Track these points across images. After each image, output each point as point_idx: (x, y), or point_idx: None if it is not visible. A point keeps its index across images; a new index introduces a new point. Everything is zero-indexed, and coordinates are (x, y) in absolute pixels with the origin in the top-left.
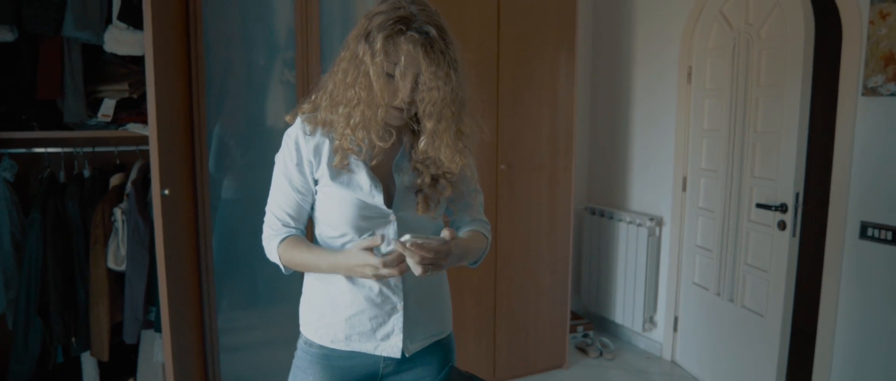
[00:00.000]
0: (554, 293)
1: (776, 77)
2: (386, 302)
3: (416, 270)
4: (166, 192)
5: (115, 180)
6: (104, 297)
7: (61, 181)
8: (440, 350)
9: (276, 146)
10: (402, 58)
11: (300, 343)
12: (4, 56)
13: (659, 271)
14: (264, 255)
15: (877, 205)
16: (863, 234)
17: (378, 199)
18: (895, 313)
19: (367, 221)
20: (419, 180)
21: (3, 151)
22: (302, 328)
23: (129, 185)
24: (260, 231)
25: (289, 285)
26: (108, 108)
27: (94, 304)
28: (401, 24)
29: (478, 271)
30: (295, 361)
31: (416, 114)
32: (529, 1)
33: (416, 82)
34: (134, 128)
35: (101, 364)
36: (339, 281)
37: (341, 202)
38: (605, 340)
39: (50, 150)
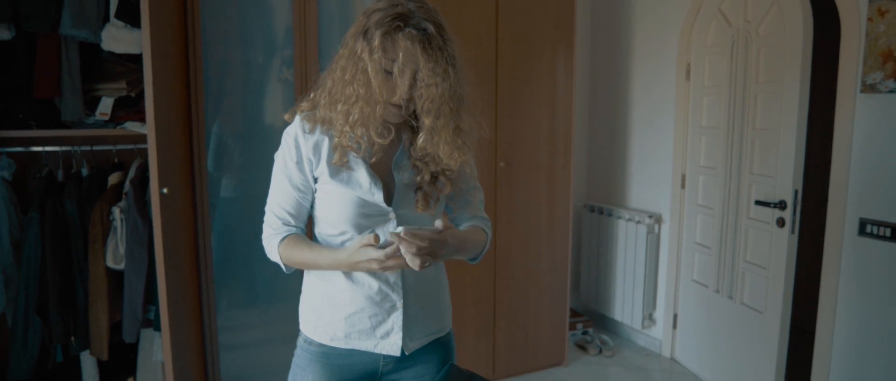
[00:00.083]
0: (553, 291)
1: (775, 74)
2: (385, 300)
3: (414, 262)
4: (165, 191)
5: (113, 179)
6: (103, 296)
7: (59, 180)
8: (440, 348)
9: (274, 145)
10: (400, 54)
11: (300, 342)
12: (1, 54)
13: (658, 268)
14: (263, 253)
15: (875, 202)
16: (861, 231)
17: (378, 196)
18: (894, 309)
19: (366, 218)
20: (419, 178)
21: (0, 150)
22: (301, 327)
23: (127, 183)
24: (259, 230)
25: (288, 283)
26: (105, 106)
27: (93, 303)
28: (399, 21)
29: (477, 269)
30: (294, 359)
31: (414, 111)
32: (528, 1)
33: (414, 79)
34: (132, 126)
35: (100, 363)
36: (339, 279)
37: (341, 200)
38: (605, 337)
39: (48, 149)
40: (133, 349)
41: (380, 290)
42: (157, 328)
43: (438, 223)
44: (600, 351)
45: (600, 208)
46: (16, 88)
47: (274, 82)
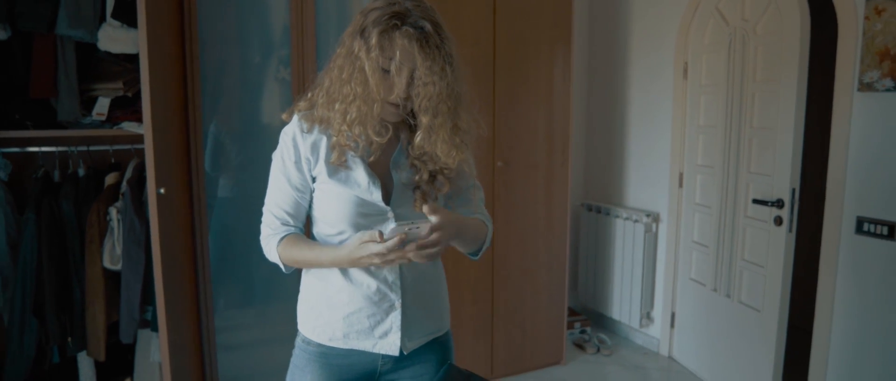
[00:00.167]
0: (551, 290)
1: (772, 73)
2: (384, 300)
3: (420, 257)
4: (162, 191)
5: (110, 179)
6: (100, 296)
7: (56, 181)
8: (438, 348)
9: (271, 144)
10: (398, 53)
11: (298, 342)
12: None
13: (656, 267)
14: (261, 253)
15: (872, 200)
16: (859, 229)
17: (376, 196)
18: (891, 307)
19: (365, 218)
20: (417, 177)
21: None
22: (300, 327)
23: (124, 184)
24: (257, 230)
25: (285, 283)
26: (102, 106)
27: (90, 304)
28: (396, 19)
29: (475, 269)
30: (293, 359)
31: (412, 110)
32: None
33: (411, 77)
34: (129, 126)
35: (97, 364)
36: (337, 279)
37: (339, 199)
38: (603, 336)
39: (44, 149)
40: (130, 350)
41: (378, 290)
42: (155, 329)
43: (425, 208)
44: (598, 350)
45: (598, 207)
46: (12, 88)
47: (271, 82)
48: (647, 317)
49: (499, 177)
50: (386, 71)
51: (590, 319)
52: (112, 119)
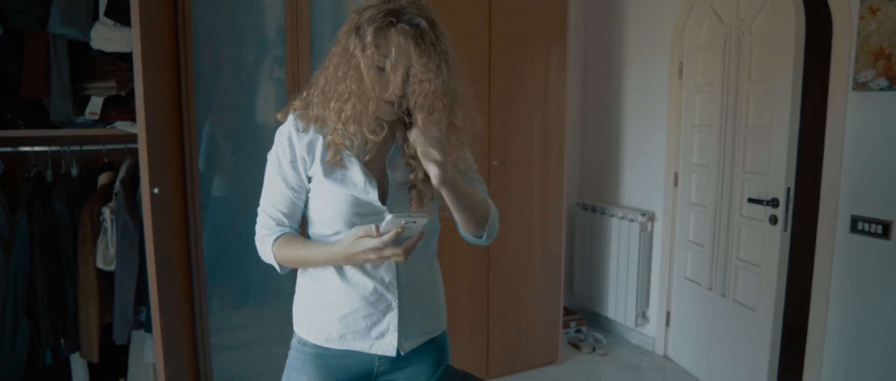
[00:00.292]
0: (546, 290)
1: (767, 72)
2: (380, 300)
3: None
4: (156, 190)
5: (103, 179)
6: (93, 297)
7: (48, 180)
8: (435, 349)
9: (266, 143)
10: (393, 50)
11: (294, 343)
12: None
13: (651, 266)
14: (256, 253)
15: (867, 199)
16: (853, 228)
17: (373, 195)
18: (885, 306)
19: (361, 218)
20: (412, 176)
21: None
22: (295, 328)
23: (117, 183)
24: (251, 230)
25: (281, 283)
26: (95, 105)
27: (83, 305)
28: (391, 17)
29: (470, 268)
30: (288, 360)
31: (408, 108)
32: None
33: (407, 75)
34: (122, 126)
35: (90, 366)
36: (333, 280)
37: (335, 199)
38: (598, 335)
39: (36, 149)
40: (124, 351)
41: (375, 290)
42: (149, 330)
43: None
44: (594, 349)
45: (593, 206)
46: (3, 87)
47: (266, 81)
48: (642, 316)
49: (495, 176)
50: (381, 69)
51: (585, 318)
52: (105, 118)
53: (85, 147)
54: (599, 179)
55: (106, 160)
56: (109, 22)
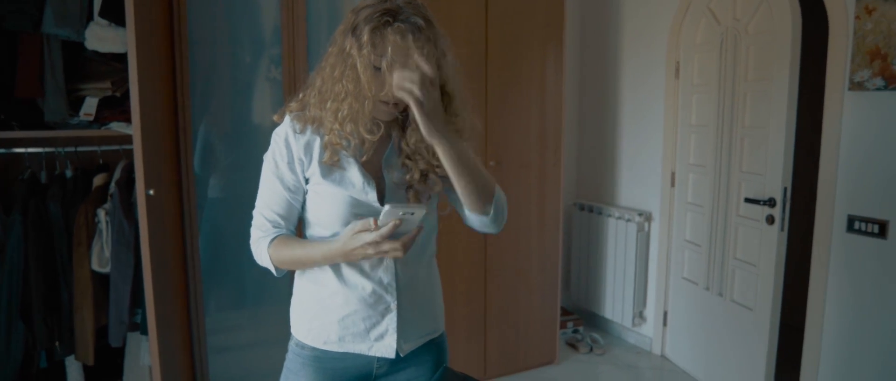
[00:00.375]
0: (544, 290)
1: (764, 72)
2: (379, 302)
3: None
4: (151, 192)
5: (98, 181)
6: (88, 299)
7: (43, 182)
8: (434, 350)
9: (262, 144)
10: (389, 49)
11: (291, 345)
12: None
13: (648, 266)
14: (252, 254)
15: (863, 198)
16: (850, 227)
17: (371, 196)
18: (882, 305)
19: (359, 219)
20: (408, 176)
21: None
22: (293, 330)
23: (112, 185)
24: (248, 231)
25: (278, 284)
26: (90, 106)
27: (79, 307)
28: (387, 16)
29: (468, 269)
30: (286, 363)
31: (405, 108)
32: None
33: None
34: (117, 127)
35: (86, 368)
36: (331, 282)
37: (333, 200)
38: (595, 335)
39: (31, 150)
40: (119, 354)
41: (373, 292)
42: (144, 332)
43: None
44: (591, 349)
45: (590, 206)
46: None
47: (262, 81)
48: (639, 316)
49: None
50: (378, 69)
51: (582, 318)
52: (100, 119)
53: (80, 148)
54: (596, 179)
55: (101, 161)
56: (104, 22)
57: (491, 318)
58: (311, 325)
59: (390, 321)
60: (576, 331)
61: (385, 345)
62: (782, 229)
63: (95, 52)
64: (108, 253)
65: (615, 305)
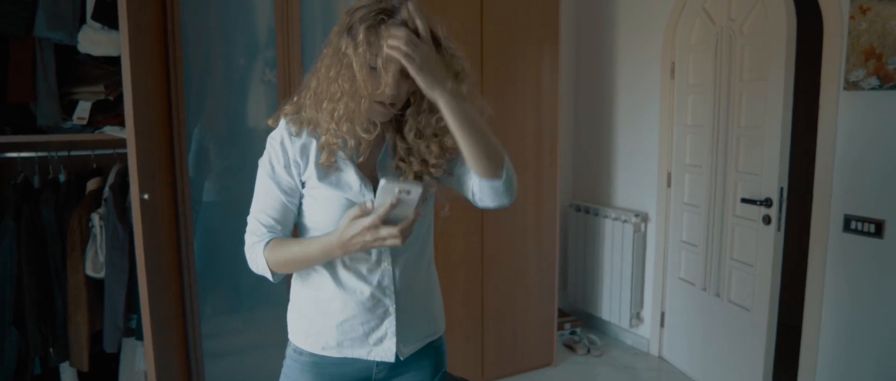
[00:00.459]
0: (541, 292)
1: (759, 72)
2: (378, 306)
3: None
4: (146, 196)
5: (91, 185)
6: (83, 305)
7: (36, 187)
8: (433, 354)
9: (257, 147)
10: (384, 48)
11: (289, 352)
12: None
13: (645, 266)
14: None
15: (859, 198)
16: (846, 227)
17: (368, 197)
18: (879, 304)
19: None
20: (401, 179)
21: None
22: (291, 336)
23: (106, 189)
24: (243, 234)
25: (274, 287)
26: (83, 110)
27: (73, 313)
28: (383, 15)
29: (465, 272)
30: (284, 370)
31: (403, 107)
32: None
33: (399, 73)
34: (111, 131)
35: (80, 374)
36: (329, 287)
37: (329, 204)
38: (593, 337)
39: (23, 154)
40: (114, 359)
41: (372, 296)
42: (139, 337)
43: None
44: (588, 351)
45: (586, 207)
46: None
47: (256, 84)
48: (636, 317)
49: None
50: (373, 68)
51: (579, 319)
52: (93, 123)
53: (73, 152)
54: (592, 180)
55: (94, 166)
56: (97, 25)
57: (488, 320)
58: (309, 331)
59: (389, 325)
60: (573, 333)
61: (384, 349)
62: (779, 230)
63: (88, 56)
64: (102, 258)
65: (612, 306)
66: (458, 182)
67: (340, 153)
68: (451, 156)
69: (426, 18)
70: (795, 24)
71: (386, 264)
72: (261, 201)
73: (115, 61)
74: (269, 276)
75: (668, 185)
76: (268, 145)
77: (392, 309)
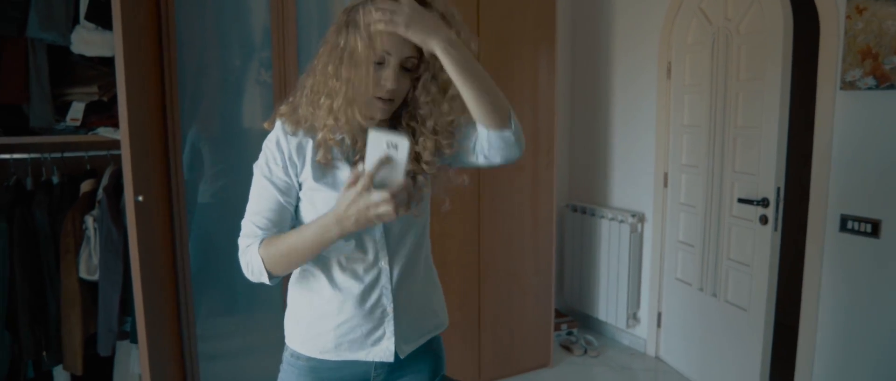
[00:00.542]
0: (538, 292)
1: (756, 72)
2: (375, 306)
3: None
4: (140, 198)
5: (85, 187)
6: (76, 308)
7: (28, 189)
8: (431, 357)
9: (253, 148)
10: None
11: (286, 356)
12: None
13: (641, 267)
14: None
15: (856, 198)
16: (843, 227)
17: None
18: (875, 304)
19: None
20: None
21: None
22: (288, 341)
23: (100, 191)
24: (238, 235)
25: (270, 289)
26: (77, 111)
27: (66, 316)
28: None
29: (461, 273)
30: (281, 375)
31: (400, 107)
32: None
33: (399, 67)
34: (105, 132)
35: (74, 378)
36: (325, 289)
37: (326, 205)
38: (590, 337)
39: (16, 156)
40: (109, 363)
41: (369, 296)
42: (134, 340)
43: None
44: (585, 351)
45: (583, 207)
46: None
47: (252, 85)
48: (633, 317)
49: (484, 179)
50: (378, 63)
51: (576, 320)
52: (87, 124)
53: (66, 154)
54: (588, 180)
55: (88, 167)
56: (90, 26)
57: (485, 321)
58: (306, 334)
59: (387, 325)
60: (570, 333)
61: (382, 349)
62: (776, 230)
63: (82, 57)
64: (96, 260)
65: (609, 306)
66: (462, 153)
67: (337, 152)
68: (447, 151)
69: None
70: (792, 24)
71: (383, 263)
72: (256, 203)
73: (108, 62)
74: (265, 278)
75: (665, 185)
76: (263, 148)
77: (390, 309)
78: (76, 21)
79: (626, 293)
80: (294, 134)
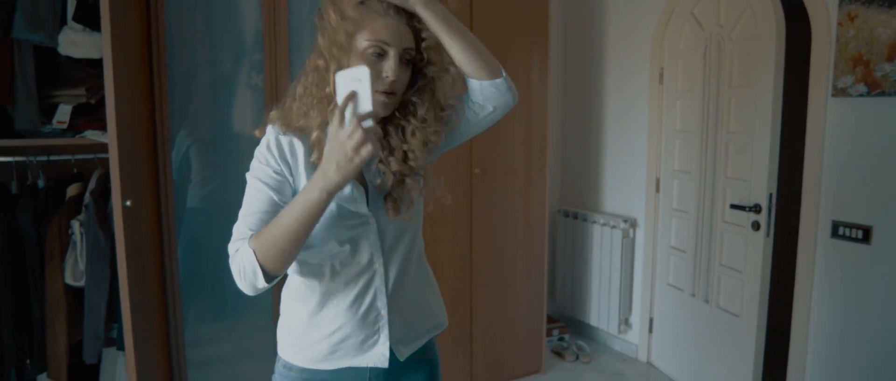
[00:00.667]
0: (529, 298)
1: (748, 78)
2: (370, 312)
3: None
4: (128, 203)
5: (72, 191)
6: (61, 315)
7: (13, 193)
8: (426, 367)
9: (243, 152)
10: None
11: (278, 368)
12: None
13: (633, 272)
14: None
15: (847, 204)
16: (834, 233)
17: (360, 202)
18: (867, 309)
19: (349, 229)
20: (379, 181)
21: None
22: (280, 351)
23: (87, 195)
24: (228, 241)
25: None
26: (63, 114)
27: (51, 323)
28: None
29: (453, 279)
30: None
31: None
32: (502, 3)
33: (400, 59)
34: (92, 135)
35: None
36: (318, 296)
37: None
38: (581, 343)
39: (0, 159)
40: (94, 371)
41: (362, 301)
42: (121, 347)
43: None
44: (577, 357)
45: (575, 213)
46: None
47: (243, 88)
48: (625, 323)
49: (476, 184)
50: (380, 55)
51: (568, 326)
52: (74, 127)
53: (52, 157)
54: (581, 185)
55: (75, 171)
56: (78, 27)
57: (477, 327)
58: (299, 344)
59: (382, 329)
60: (562, 339)
61: (376, 354)
62: (768, 235)
63: (69, 58)
64: (82, 266)
65: (601, 312)
66: (458, 127)
67: None
68: (432, 147)
69: None
70: (784, 31)
71: (378, 266)
72: (249, 205)
73: (96, 64)
74: (260, 278)
75: (657, 190)
76: (256, 153)
77: (384, 312)
78: (64, 22)
79: (618, 299)
80: (286, 135)
